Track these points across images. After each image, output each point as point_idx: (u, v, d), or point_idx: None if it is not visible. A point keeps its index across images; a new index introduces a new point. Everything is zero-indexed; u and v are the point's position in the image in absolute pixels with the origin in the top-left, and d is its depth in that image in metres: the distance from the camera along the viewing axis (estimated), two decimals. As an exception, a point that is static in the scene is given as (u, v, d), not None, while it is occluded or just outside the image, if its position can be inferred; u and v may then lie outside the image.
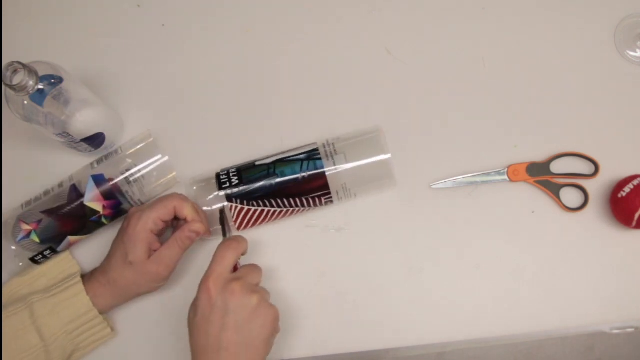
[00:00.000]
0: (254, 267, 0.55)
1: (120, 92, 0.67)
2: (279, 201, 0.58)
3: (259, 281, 0.55)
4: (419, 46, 0.67)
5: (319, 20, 0.69)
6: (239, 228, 0.60)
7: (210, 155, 0.64)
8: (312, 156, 0.58)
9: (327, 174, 0.58)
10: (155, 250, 0.56)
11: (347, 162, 0.58)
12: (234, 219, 0.59)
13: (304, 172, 0.58)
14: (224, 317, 0.49)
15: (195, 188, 0.60)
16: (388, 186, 0.61)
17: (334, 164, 0.58)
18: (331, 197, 0.59)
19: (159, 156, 0.60)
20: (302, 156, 0.59)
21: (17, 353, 0.53)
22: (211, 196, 0.59)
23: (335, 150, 0.58)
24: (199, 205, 0.58)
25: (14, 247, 0.57)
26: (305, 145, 0.60)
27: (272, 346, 0.52)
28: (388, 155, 0.58)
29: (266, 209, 0.59)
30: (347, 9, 0.69)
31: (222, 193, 0.58)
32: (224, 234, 0.56)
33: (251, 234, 0.61)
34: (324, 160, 0.58)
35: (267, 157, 0.60)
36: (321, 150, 0.59)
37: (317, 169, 0.58)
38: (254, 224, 0.60)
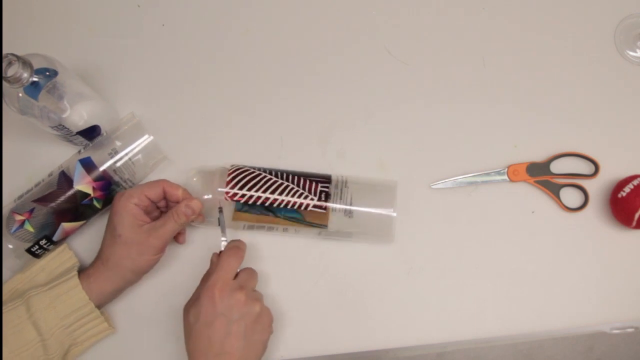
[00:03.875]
0: (252, 272, 0.56)
1: (117, 86, 0.66)
2: (279, 173, 0.60)
3: (256, 284, 0.56)
4: (419, 46, 0.67)
5: (318, 20, 0.69)
6: (228, 183, 0.59)
7: (206, 148, 0.65)
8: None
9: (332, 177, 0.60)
10: (144, 222, 0.56)
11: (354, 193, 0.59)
12: (230, 174, 0.59)
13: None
14: (228, 324, 0.51)
15: (195, 179, 0.60)
16: (384, 239, 0.61)
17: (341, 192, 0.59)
18: (328, 187, 0.59)
19: (146, 136, 0.60)
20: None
21: (15, 347, 0.53)
22: (212, 185, 0.59)
23: (346, 183, 0.60)
24: (198, 197, 0.59)
25: (11, 246, 0.57)
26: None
27: (267, 347, 0.55)
28: (394, 214, 0.59)
29: (262, 174, 0.59)
30: (347, 9, 0.69)
31: (229, 166, 0.60)
32: (223, 234, 0.57)
33: (252, 234, 0.61)
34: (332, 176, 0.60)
35: None
36: (333, 177, 0.60)
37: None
38: (245, 187, 0.59)
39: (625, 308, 0.60)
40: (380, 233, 0.60)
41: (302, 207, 0.58)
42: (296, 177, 0.60)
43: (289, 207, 0.58)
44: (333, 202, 0.58)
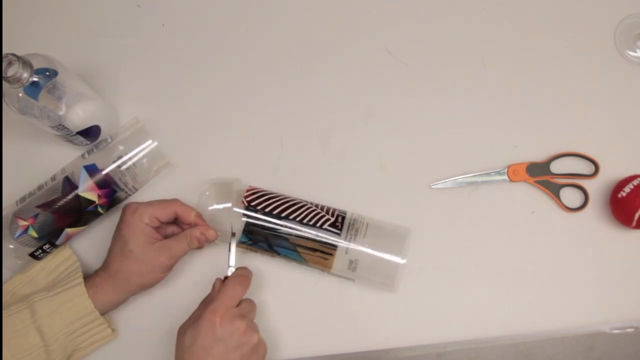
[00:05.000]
0: (253, 304, 0.56)
1: (117, 87, 0.67)
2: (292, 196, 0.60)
3: (255, 317, 0.56)
4: (419, 46, 0.67)
5: (318, 21, 0.69)
6: (247, 193, 0.59)
7: (206, 148, 0.65)
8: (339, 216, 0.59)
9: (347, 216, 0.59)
10: (156, 240, 0.56)
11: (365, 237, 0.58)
12: (249, 189, 0.59)
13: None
14: (226, 352, 0.50)
15: (208, 193, 0.59)
16: (387, 285, 0.59)
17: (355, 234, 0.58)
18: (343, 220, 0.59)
19: (149, 141, 0.60)
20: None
21: (18, 351, 0.53)
22: (224, 204, 0.59)
23: (358, 223, 0.59)
24: (208, 207, 0.59)
25: (11, 246, 0.56)
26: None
27: None
28: (403, 261, 0.57)
29: (279, 194, 0.59)
30: (348, 9, 0.69)
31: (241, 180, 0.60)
32: (231, 260, 0.56)
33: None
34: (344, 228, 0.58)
35: None
36: (347, 215, 0.59)
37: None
38: (262, 199, 0.59)
39: (625, 308, 0.60)
40: (384, 282, 0.59)
41: (319, 224, 0.58)
42: (309, 202, 0.60)
43: (305, 221, 0.58)
44: (343, 239, 0.57)
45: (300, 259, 0.58)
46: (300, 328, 0.60)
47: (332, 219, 0.58)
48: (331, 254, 0.57)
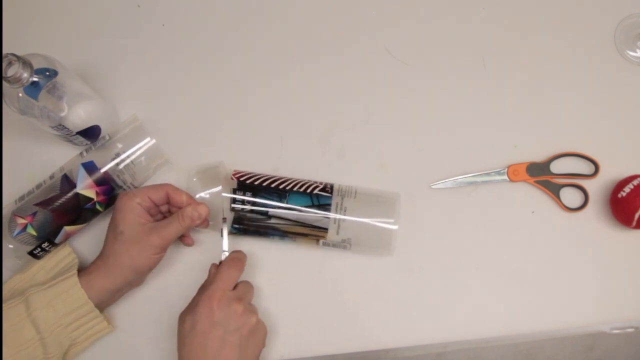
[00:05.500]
0: (250, 286, 0.57)
1: (117, 87, 0.66)
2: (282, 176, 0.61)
3: (253, 298, 0.57)
4: (419, 46, 0.67)
5: (319, 21, 0.69)
6: (235, 174, 0.60)
7: (206, 148, 0.64)
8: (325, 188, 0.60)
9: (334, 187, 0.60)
10: (147, 221, 0.56)
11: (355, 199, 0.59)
12: (235, 171, 0.60)
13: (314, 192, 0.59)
14: (224, 335, 0.51)
15: (195, 180, 0.60)
16: (383, 251, 0.61)
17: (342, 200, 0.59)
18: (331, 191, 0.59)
19: (148, 139, 0.60)
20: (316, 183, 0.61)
21: (14, 346, 0.53)
22: (213, 189, 0.59)
23: (347, 193, 0.60)
24: (197, 194, 0.59)
25: (11, 246, 0.57)
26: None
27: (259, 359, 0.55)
28: (395, 226, 0.59)
29: (266, 174, 0.61)
30: (348, 8, 0.69)
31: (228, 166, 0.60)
32: (224, 245, 0.58)
33: (249, 241, 0.61)
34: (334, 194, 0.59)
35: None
36: (335, 187, 0.60)
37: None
38: (248, 173, 0.60)
39: (625, 308, 0.60)
40: (379, 248, 0.60)
41: (309, 190, 0.59)
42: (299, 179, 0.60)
43: (295, 189, 0.59)
44: (333, 212, 0.58)
45: (293, 243, 0.60)
46: (300, 328, 0.60)
47: (321, 186, 0.59)
48: (322, 237, 0.58)
